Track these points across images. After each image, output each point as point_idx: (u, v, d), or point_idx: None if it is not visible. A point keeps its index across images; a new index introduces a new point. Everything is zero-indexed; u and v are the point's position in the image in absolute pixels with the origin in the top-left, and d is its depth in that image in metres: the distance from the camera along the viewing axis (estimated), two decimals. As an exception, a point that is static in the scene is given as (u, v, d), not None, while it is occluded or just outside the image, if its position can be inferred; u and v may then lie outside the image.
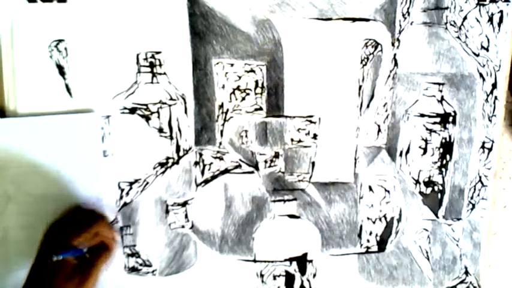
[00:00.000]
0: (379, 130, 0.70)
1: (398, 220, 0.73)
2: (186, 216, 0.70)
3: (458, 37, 0.68)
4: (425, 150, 0.71)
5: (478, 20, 0.68)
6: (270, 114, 0.68)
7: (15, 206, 0.64)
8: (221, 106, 0.68)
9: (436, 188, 0.73)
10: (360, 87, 0.68)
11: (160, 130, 0.67)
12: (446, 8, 0.67)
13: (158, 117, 0.67)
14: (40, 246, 0.60)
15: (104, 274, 0.69)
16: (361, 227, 0.73)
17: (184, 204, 0.70)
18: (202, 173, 0.69)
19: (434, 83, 0.69)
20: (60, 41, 0.63)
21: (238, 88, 0.67)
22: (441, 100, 0.70)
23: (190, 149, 0.68)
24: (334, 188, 0.71)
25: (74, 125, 0.64)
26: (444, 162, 0.72)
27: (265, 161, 0.70)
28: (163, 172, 0.68)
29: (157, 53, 0.65)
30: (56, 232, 0.61)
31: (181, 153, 0.68)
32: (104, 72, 0.64)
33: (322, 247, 0.73)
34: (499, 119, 0.71)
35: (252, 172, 0.70)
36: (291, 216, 0.71)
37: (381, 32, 0.67)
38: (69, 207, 0.65)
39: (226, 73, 0.67)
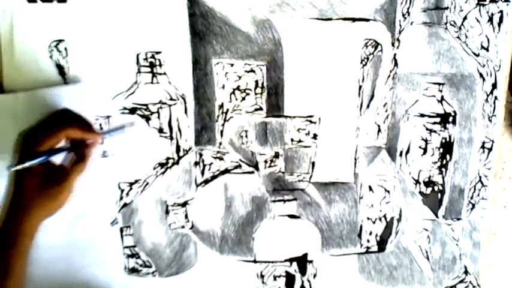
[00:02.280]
0: (379, 130, 0.70)
1: (398, 220, 0.73)
2: (186, 216, 0.70)
3: (458, 37, 0.68)
4: (425, 150, 0.71)
5: (478, 20, 0.68)
6: (270, 114, 0.68)
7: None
8: (221, 106, 0.67)
9: (436, 188, 0.73)
10: (360, 87, 0.68)
11: (160, 130, 0.67)
12: (446, 8, 0.67)
13: (158, 117, 0.67)
14: (16, 152, 0.57)
15: (104, 274, 0.69)
16: (361, 227, 0.73)
17: (184, 204, 0.70)
18: (202, 173, 0.69)
19: (434, 83, 0.69)
20: (60, 41, 0.63)
21: (238, 88, 0.67)
22: (441, 100, 0.70)
23: (190, 149, 0.68)
24: (334, 188, 0.71)
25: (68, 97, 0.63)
26: (444, 162, 0.72)
27: (265, 161, 0.70)
28: (163, 172, 0.68)
29: (157, 53, 0.65)
30: (28, 137, 0.57)
31: (181, 154, 0.68)
32: (104, 72, 0.64)
33: (322, 247, 0.73)
34: (499, 119, 0.71)
35: (252, 172, 0.70)
36: (291, 216, 0.71)
37: (381, 32, 0.67)
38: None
39: (226, 73, 0.66)
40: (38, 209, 0.56)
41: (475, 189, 0.73)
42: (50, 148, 0.57)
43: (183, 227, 0.70)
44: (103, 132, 0.64)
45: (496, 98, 0.70)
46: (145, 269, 0.71)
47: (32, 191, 0.56)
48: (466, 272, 0.76)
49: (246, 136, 0.69)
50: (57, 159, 0.59)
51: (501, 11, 0.68)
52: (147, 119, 0.66)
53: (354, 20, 0.66)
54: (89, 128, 0.60)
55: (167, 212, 0.70)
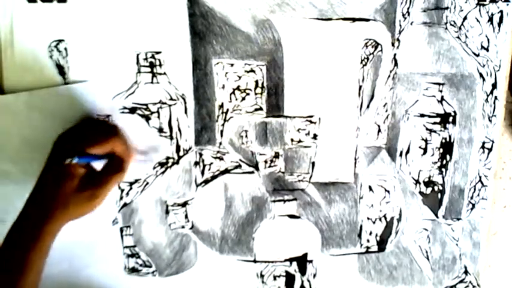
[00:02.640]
0: (379, 130, 0.70)
1: (398, 220, 0.73)
2: (186, 216, 0.70)
3: (458, 37, 0.68)
4: (425, 150, 0.71)
5: (478, 20, 0.68)
6: (270, 114, 0.68)
7: (13, 185, 0.64)
8: (221, 106, 0.67)
9: (436, 188, 0.73)
10: (360, 87, 0.68)
11: (160, 130, 0.67)
12: (446, 8, 0.67)
13: (158, 117, 0.67)
14: (51, 152, 0.58)
15: (104, 274, 0.69)
16: (361, 227, 0.73)
17: (184, 204, 0.70)
18: (202, 173, 0.69)
19: (434, 83, 0.69)
20: (60, 41, 0.63)
21: (238, 88, 0.67)
22: (441, 100, 0.70)
23: (190, 149, 0.68)
24: (334, 188, 0.71)
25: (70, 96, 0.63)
26: (444, 162, 0.72)
27: (265, 161, 0.70)
28: (163, 172, 0.68)
29: (157, 53, 0.65)
30: (69, 139, 0.59)
31: (181, 153, 0.68)
32: (104, 72, 0.64)
33: (322, 247, 0.73)
34: (499, 119, 0.71)
35: (252, 172, 0.70)
36: (291, 216, 0.71)
37: (381, 32, 0.67)
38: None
39: (226, 73, 0.66)
40: (71, 210, 0.57)
41: (475, 189, 0.73)
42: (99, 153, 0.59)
43: (183, 227, 0.70)
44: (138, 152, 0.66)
45: (496, 98, 0.70)
46: (145, 269, 0.71)
47: (70, 192, 0.56)
48: (466, 272, 0.76)
49: (246, 136, 0.69)
50: (97, 166, 0.60)
51: (501, 11, 0.68)
52: (147, 118, 0.66)
53: (354, 20, 0.66)
54: (129, 144, 0.64)
55: (167, 212, 0.70)
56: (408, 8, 0.67)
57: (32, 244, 0.55)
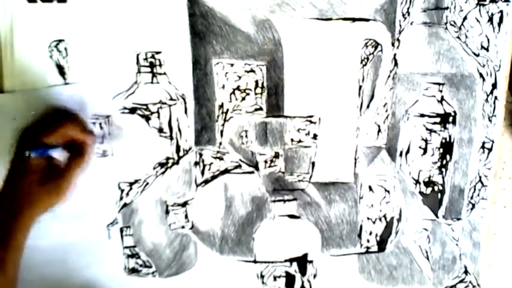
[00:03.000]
0: (379, 130, 0.70)
1: (398, 220, 0.73)
2: (186, 216, 0.70)
3: (458, 37, 0.68)
4: (425, 150, 0.71)
5: (478, 20, 0.68)
6: (270, 114, 0.68)
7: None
8: (221, 106, 0.67)
9: (436, 188, 0.73)
10: (360, 87, 0.68)
11: (160, 130, 0.67)
12: (446, 8, 0.67)
13: (158, 117, 0.67)
14: (16, 144, 0.58)
15: (104, 274, 0.69)
16: (361, 227, 0.73)
17: (184, 204, 0.70)
18: (202, 173, 0.69)
19: (434, 83, 0.69)
20: (60, 41, 0.63)
21: (238, 88, 0.67)
22: (441, 100, 0.70)
23: (190, 149, 0.68)
24: (334, 188, 0.71)
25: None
26: (444, 162, 0.72)
27: (265, 161, 0.70)
28: (163, 172, 0.68)
29: (157, 53, 0.65)
30: (28, 132, 0.58)
31: (181, 154, 0.68)
32: (104, 72, 0.64)
33: (322, 247, 0.73)
34: (499, 119, 0.71)
35: (252, 172, 0.70)
36: (291, 216, 0.71)
37: (381, 32, 0.67)
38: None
39: (226, 73, 0.66)
40: (37, 204, 0.56)
41: (475, 189, 0.73)
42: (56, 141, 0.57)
43: (183, 227, 0.70)
44: (100, 135, 0.64)
45: (496, 98, 0.70)
46: (145, 269, 0.71)
47: (32, 186, 0.56)
48: (466, 272, 0.76)
49: (246, 136, 0.69)
50: (56, 156, 0.59)
51: (501, 11, 0.68)
52: (147, 119, 0.66)
53: (354, 20, 0.66)
54: (86, 128, 0.61)
55: (167, 212, 0.70)
56: (408, 8, 0.67)
57: (2, 244, 0.55)
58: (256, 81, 0.67)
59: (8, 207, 0.56)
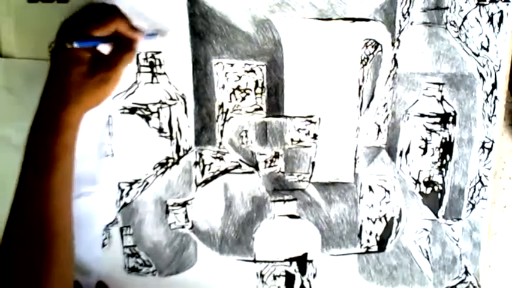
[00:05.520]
0: (379, 130, 0.70)
1: (398, 220, 0.73)
2: (186, 216, 0.70)
3: (458, 37, 0.68)
4: (425, 150, 0.71)
5: (478, 20, 0.68)
6: (270, 114, 0.68)
7: (14, 149, 0.62)
8: (221, 106, 0.68)
9: (436, 188, 0.73)
10: (360, 87, 0.68)
11: (160, 130, 0.67)
12: (446, 8, 0.67)
13: (158, 117, 0.67)
14: (57, 36, 0.55)
15: (104, 274, 0.69)
16: (361, 227, 0.73)
17: (184, 204, 0.70)
18: (202, 173, 0.69)
19: (434, 83, 0.69)
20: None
21: (238, 88, 0.67)
22: (441, 100, 0.70)
23: (190, 149, 0.68)
24: (334, 188, 0.71)
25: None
26: (444, 162, 0.72)
27: (265, 161, 0.70)
28: (163, 172, 0.68)
29: (157, 53, 0.65)
30: (71, 24, 0.56)
31: (181, 153, 0.68)
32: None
33: (322, 247, 0.73)
34: (499, 119, 0.71)
35: (252, 172, 0.70)
36: (291, 216, 0.71)
37: (381, 32, 0.67)
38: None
39: (226, 73, 0.66)
40: (85, 96, 0.54)
41: (475, 189, 0.73)
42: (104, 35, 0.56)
43: (183, 227, 0.70)
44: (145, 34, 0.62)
45: (496, 98, 0.70)
46: (145, 269, 0.71)
47: (80, 78, 0.54)
48: (466, 272, 0.76)
49: (246, 136, 0.69)
50: (104, 49, 0.58)
51: (501, 11, 0.68)
52: (147, 119, 0.66)
53: (354, 20, 0.66)
54: (134, 25, 0.60)
55: (167, 212, 0.70)
56: (408, 8, 0.67)
57: (53, 138, 0.53)
58: (256, 81, 0.67)
59: (55, 101, 0.54)
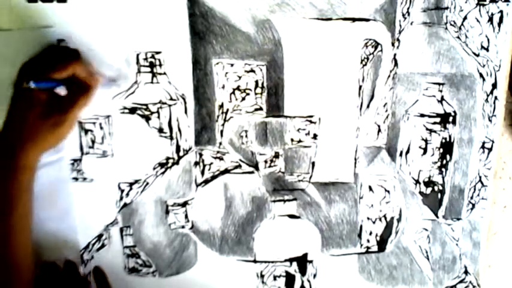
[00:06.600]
0: (379, 130, 0.70)
1: (398, 220, 0.73)
2: (186, 216, 0.70)
3: (458, 37, 0.68)
4: (425, 150, 0.71)
5: (478, 20, 0.68)
6: (270, 114, 0.68)
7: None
8: (221, 106, 0.67)
9: (436, 188, 0.73)
10: (360, 87, 0.68)
11: (160, 130, 0.67)
12: (446, 8, 0.67)
13: (158, 117, 0.67)
14: (17, 76, 0.57)
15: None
16: (361, 227, 0.73)
17: (184, 204, 0.70)
18: (202, 173, 0.69)
19: (434, 83, 0.69)
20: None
21: (238, 88, 0.67)
22: (441, 100, 0.70)
23: (190, 149, 0.68)
24: (334, 188, 0.71)
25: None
26: (444, 162, 0.72)
27: (265, 161, 0.70)
28: (163, 172, 0.68)
29: (157, 53, 0.65)
30: (31, 66, 0.57)
31: (181, 154, 0.68)
32: (104, 72, 0.64)
33: (322, 247, 0.73)
34: (499, 119, 0.71)
35: (252, 172, 0.70)
36: (291, 216, 0.71)
37: (381, 32, 0.67)
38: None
39: (226, 73, 0.66)
40: (40, 138, 0.55)
41: (475, 189, 0.73)
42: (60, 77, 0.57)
43: (183, 227, 0.70)
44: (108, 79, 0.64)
45: (496, 98, 0.70)
46: (145, 269, 0.71)
47: (35, 119, 0.55)
48: (466, 272, 0.76)
49: (246, 136, 0.69)
50: (62, 91, 0.58)
51: (501, 11, 0.68)
52: (147, 119, 0.66)
53: (354, 20, 0.66)
54: (93, 69, 0.61)
55: (167, 212, 0.70)
56: (408, 8, 0.67)
57: (9, 180, 0.54)
58: (256, 81, 0.67)
59: (10, 141, 0.54)
